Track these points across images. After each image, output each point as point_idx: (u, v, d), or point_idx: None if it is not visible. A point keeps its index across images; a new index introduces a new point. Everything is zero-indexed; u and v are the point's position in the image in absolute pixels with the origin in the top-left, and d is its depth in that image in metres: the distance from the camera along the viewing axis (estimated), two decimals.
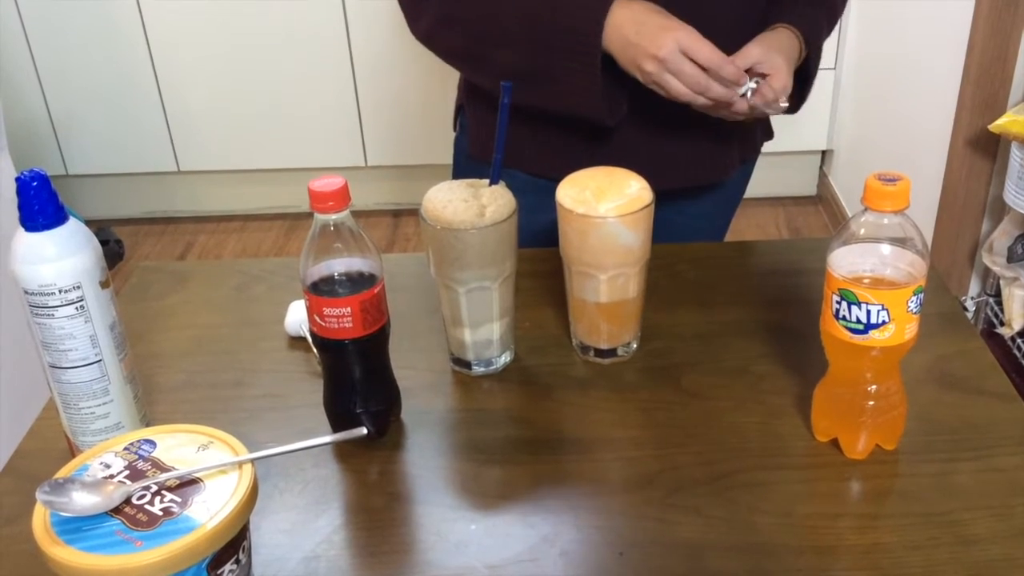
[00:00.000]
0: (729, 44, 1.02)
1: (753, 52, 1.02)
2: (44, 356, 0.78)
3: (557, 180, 0.92)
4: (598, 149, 0.99)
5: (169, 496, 0.65)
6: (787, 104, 1.03)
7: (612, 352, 0.95)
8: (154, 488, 0.65)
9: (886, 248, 0.76)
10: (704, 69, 0.98)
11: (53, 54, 2.75)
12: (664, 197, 0.96)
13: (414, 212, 2.99)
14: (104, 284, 0.77)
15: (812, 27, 1.10)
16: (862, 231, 0.76)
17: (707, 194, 1.26)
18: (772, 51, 1.03)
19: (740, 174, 1.29)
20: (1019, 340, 1.97)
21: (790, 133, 1.45)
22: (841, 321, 0.77)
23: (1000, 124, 1.83)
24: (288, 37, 2.72)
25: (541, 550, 0.74)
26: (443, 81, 2.68)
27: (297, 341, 1.00)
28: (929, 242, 0.83)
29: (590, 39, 1.01)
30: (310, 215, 0.77)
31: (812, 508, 0.77)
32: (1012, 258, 1.91)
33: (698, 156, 1.19)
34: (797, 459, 0.83)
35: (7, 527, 0.78)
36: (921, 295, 0.76)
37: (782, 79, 1.02)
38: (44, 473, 0.68)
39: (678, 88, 0.99)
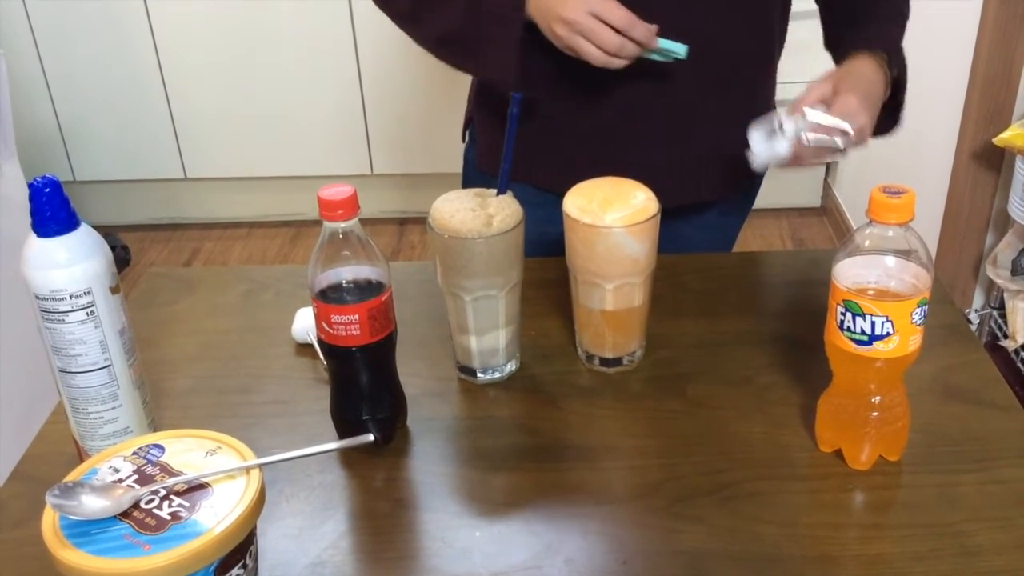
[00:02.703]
0: (720, 28, 1.03)
1: (820, 90, 0.98)
2: (54, 361, 0.78)
3: (563, 194, 0.92)
4: (603, 164, 1.00)
5: (177, 500, 0.65)
6: (844, 142, 0.97)
7: (617, 361, 0.96)
8: (162, 492, 0.66)
9: (891, 260, 0.76)
10: (618, 31, 0.97)
11: (62, 61, 2.77)
12: (672, 210, 0.97)
13: (419, 221, 2.99)
14: (114, 290, 0.78)
15: (889, 40, 1.08)
16: (867, 243, 0.77)
17: (715, 207, 1.26)
18: (844, 92, 0.98)
19: (749, 188, 1.29)
20: (1023, 353, 1.97)
21: None
22: (845, 332, 0.77)
23: (1005, 137, 1.83)
24: (295, 45, 2.73)
25: (545, 558, 0.75)
26: (450, 90, 2.69)
27: (304, 348, 1.00)
28: (933, 254, 0.84)
29: (513, 5, 1.01)
30: (316, 223, 0.77)
31: (815, 518, 0.78)
32: (1016, 271, 1.91)
33: (703, 173, 1.19)
34: (801, 469, 0.83)
35: (16, 530, 0.79)
36: (925, 307, 0.76)
37: (856, 119, 0.96)
38: (52, 477, 0.68)
39: (590, 50, 0.98)
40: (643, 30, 0.98)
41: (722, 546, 0.75)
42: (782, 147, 0.96)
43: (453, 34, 1.08)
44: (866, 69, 1.04)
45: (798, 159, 0.97)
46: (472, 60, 1.07)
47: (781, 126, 0.97)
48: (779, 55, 1.20)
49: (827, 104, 0.97)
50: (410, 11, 1.12)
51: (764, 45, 1.13)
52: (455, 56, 1.11)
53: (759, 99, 1.20)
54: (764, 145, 0.97)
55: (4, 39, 2.68)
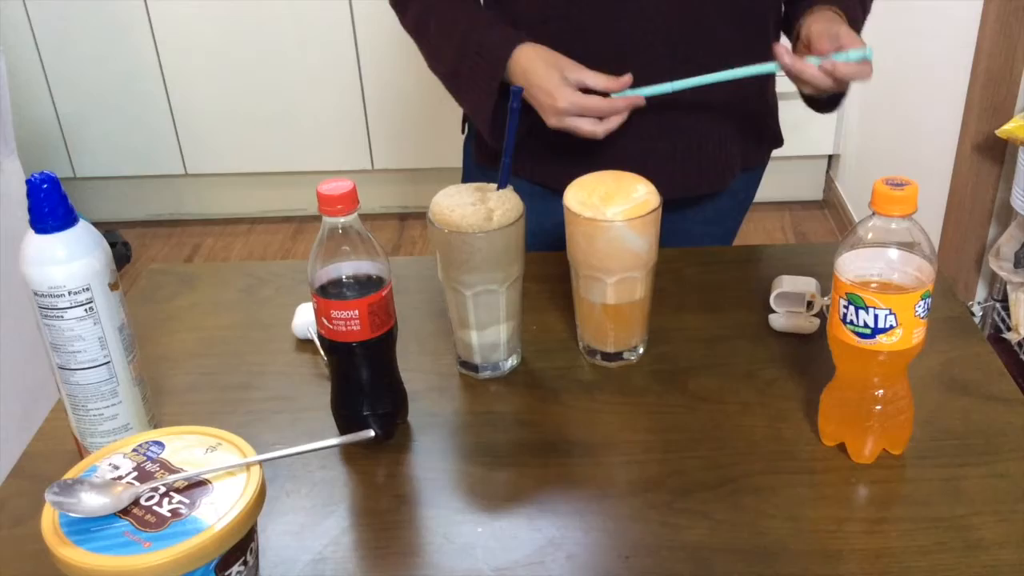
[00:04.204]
0: (715, 23, 1.04)
1: (815, 31, 1.01)
2: (53, 358, 0.78)
3: (559, 190, 0.92)
4: (598, 160, 1.00)
5: (177, 497, 0.65)
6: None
7: (619, 356, 0.95)
8: (162, 489, 0.66)
9: (894, 253, 0.76)
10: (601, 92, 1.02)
11: (62, 57, 2.76)
12: (671, 203, 0.96)
13: (420, 215, 2.99)
14: (113, 286, 0.77)
15: (849, 8, 1.09)
16: (870, 235, 0.76)
17: (715, 200, 1.26)
18: (831, 24, 1.01)
19: (749, 180, 1.29)
20: None
21: (797, 137, 1.45)
22: (848, 325, 0.77)
23: (1008, 129, 1.83)
24: (296, 40, 2.73)
25: (547, 553, 0.74)
26: None
27: (305, 343, 1.00)
28: (936, 247, 0.83)
29: (495, 65, 1.05)
30: (316, 218, 0.77)
31: (819, 512, 0.77)
32: (1019, 263, 1.90)
33: (696, 166, 1.18)
34: (804, 463, 0.83)
35: (16, 528, 0.79)
36: (929, 299, 0.76)
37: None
38: (52, 474, 0.68)
39: (587, 128, 1.03)
40: (626, 103, 1.03)
41: (725, 541, 0.75)
42: (807, 324, 0.98)
43: (448, 74, 1.12)
44: (833, 16, 1.05)
45: None
46: (456, 97, 1.13)
47: (810, 304, 0.99)
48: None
49: (837, 44, 0.99)
50: (414, 35, 1.16)
51: (760, 38, 1.12)
52: (453, 93, 1.15)
53: (757, 89, 1.20)
54: (784, 320, 0.99)
55: (4, 36, 2.68)
